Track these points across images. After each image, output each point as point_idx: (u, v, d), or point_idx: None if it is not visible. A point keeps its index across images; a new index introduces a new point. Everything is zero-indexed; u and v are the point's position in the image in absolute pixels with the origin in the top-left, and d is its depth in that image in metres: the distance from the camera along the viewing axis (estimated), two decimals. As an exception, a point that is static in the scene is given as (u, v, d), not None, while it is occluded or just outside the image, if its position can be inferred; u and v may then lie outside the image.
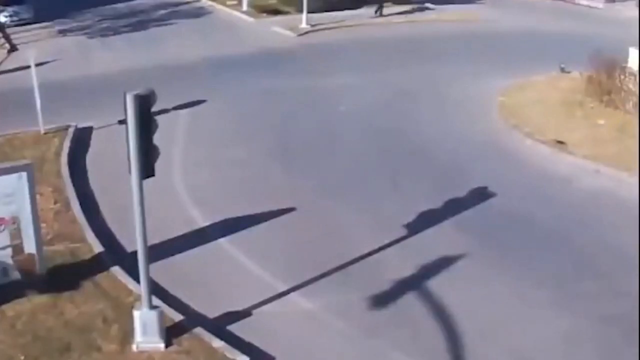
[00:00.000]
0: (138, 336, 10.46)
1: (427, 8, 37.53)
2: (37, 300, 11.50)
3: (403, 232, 13.73)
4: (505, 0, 38.17)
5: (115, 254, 13.19)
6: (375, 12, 35.48)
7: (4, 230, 11.40)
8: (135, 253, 10.43)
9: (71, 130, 19.81)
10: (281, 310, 11.56)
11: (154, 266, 11.03)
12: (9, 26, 33.10)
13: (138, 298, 10.95)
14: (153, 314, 10.42)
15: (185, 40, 31.64)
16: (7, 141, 19.04)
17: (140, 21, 35.55)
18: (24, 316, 11.17)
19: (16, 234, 11.49)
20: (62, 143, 18.82)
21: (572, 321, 11.02)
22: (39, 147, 18.49)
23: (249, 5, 38.06)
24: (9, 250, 11.52)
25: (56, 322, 11.04)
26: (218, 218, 14.51)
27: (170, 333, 10.61)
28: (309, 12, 33.23)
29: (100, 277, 12.22)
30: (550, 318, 11.12)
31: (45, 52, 26.17)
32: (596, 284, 11.99)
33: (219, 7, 39.70)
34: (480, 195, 15.20)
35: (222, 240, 13.74)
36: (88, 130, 20.10)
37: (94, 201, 15.69)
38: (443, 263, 12.64)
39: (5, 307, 11.35)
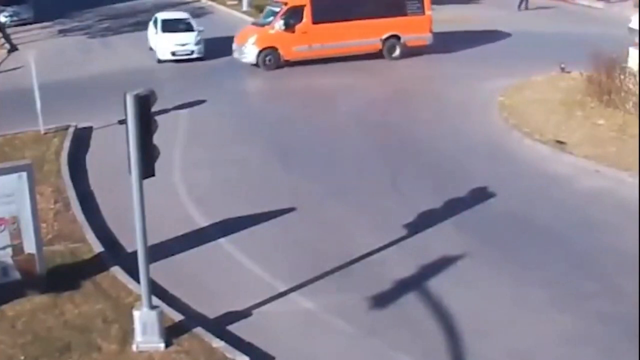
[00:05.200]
0: (138, 336, 10.46)
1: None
2: (37, 300, 11.50)
3: (403, 232, 13.73)
4: (505, 0, 38.16)
5: (115, 254, 13.20)
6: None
7: (4, 230, 11.40)
8: (135, 253, 10.44)
9: (71, 130, 19.84)
10: (281, 310, 11.57)
11: (154, 266, 11.04)
12: (9, 26, 33.14)
13: (138, 298, 10.95)
14: (153, 314, 10.41)
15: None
16: (7, 141, 19.06)
17: (140, 21, 35.53)
18: (24, 316, 11.17)
19: (16, 234, 11.49)
20: (62, 143, 18.85)
21: (572, 321, 11.01)
22: (39, 147, 18.51)
23: (249, 5, 38.08)
24: (9, 250, 11.52)
25: (56, 322, 11.04)
26: (218, 218, 14.53)
27: (170, 333, 10.61)
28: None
29: (100, 277, 12.22)
30: (550, 318, 11.12)
31: (45, 52, 26.20)
32: (596, 284, 11.98)
33: (219, 7, 39.76)
34: (480, 195, 15.20)
35: (222, 240, 13.75)
36: (88, 130, 20.13)
37: (94, 201, 15.70)
38: (443, 263, 12.64)
39: (5, 307, 11.36)
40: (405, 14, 26.65)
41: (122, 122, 10.17)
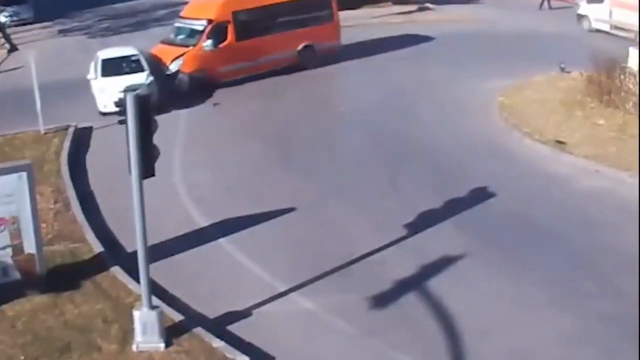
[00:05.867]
0: (138, 336, 10.47)
1: (427, 8, 37.50)
2: (37, 300, 11.51)
3: (403, 232, 13.73)
4: (505, 0, 38.14)
5: (115, 254, 13.21)
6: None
7: (4, 230, 11.41)
8: (135, 253, 10.44)
9: (71, 130, 19.84)
10: (281, 310, 11.58)
11: (154, 266, 11.04)
12: (9, 26, 33.12)
13: (138, 298, 10.96)
14: (153, 314, 10.42)
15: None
16: (7, 141, 19.07)
17: (140, 21, 35.54)
18: (24, 316, 11.19)
19: (16, 234, 11.50)
20: (62, 143, 18.86)
21: (572, 321, 11.01)
22: (39, 147, 18.52)
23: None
24: (9, 250, 11.54)
25: (56, 322, 11.06)
26: (218, 218, 14.53)
27: (170, 333, 10.61)
28: (307, 12, 32.98)
29: (100, 277, 12.23)
30: (550, 318, 11.12)
31: (45, 52, 26.17)
32: (596, 284, 11.98)
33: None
34: (480, 195, 15.19)
35: (222, 240, 13.76)
36: (88, 130, 20.12)
37: (94, 201, 15.71)
38: (443, 263, 12.64)
39: (5, 307, 11.37)
40: (317, 23, 25.95)
41: (122, 122, 10.17)
